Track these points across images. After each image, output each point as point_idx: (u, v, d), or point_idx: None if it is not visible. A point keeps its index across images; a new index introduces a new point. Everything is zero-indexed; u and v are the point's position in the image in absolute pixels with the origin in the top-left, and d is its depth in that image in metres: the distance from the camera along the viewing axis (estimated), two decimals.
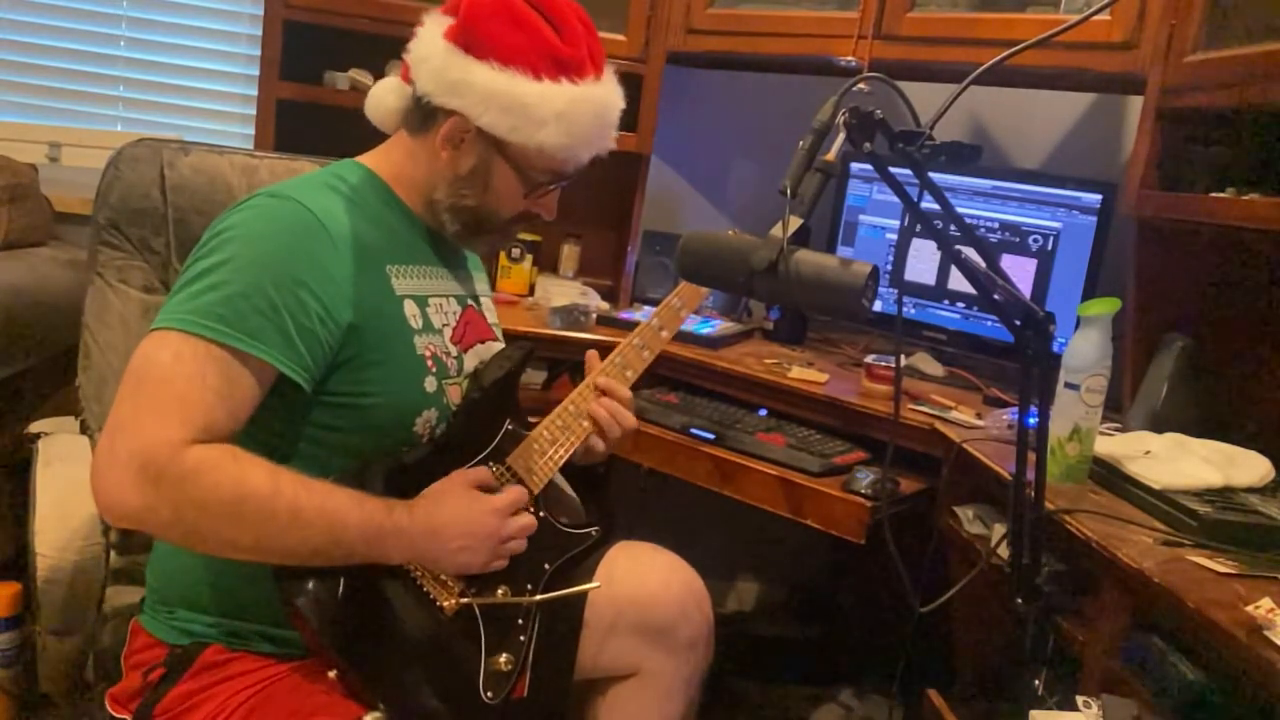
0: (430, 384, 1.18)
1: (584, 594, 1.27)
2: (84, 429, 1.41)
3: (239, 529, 1.01)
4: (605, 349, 1.42)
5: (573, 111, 1.16)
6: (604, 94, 1.21)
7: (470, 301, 1.32)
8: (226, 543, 1.03)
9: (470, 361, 1.26)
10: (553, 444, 1.28)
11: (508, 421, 1.26)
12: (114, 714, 1.16)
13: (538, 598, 1.22)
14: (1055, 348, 1.35)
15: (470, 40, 1.14)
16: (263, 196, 1.12)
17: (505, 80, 1.13)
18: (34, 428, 1.53)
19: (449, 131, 1.17)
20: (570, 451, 1.30)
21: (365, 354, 1.12)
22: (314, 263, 1.08)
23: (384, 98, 1.28)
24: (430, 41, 1.17)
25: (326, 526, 1.04)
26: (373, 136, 1.29)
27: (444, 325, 1.24)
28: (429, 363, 1.19)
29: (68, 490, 1.33)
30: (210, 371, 1.01)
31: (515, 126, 1.15)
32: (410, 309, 1.19)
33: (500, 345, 1.33)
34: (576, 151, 1.20)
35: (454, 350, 1.24)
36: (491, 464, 1.23)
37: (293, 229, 1.09)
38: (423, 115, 1.20)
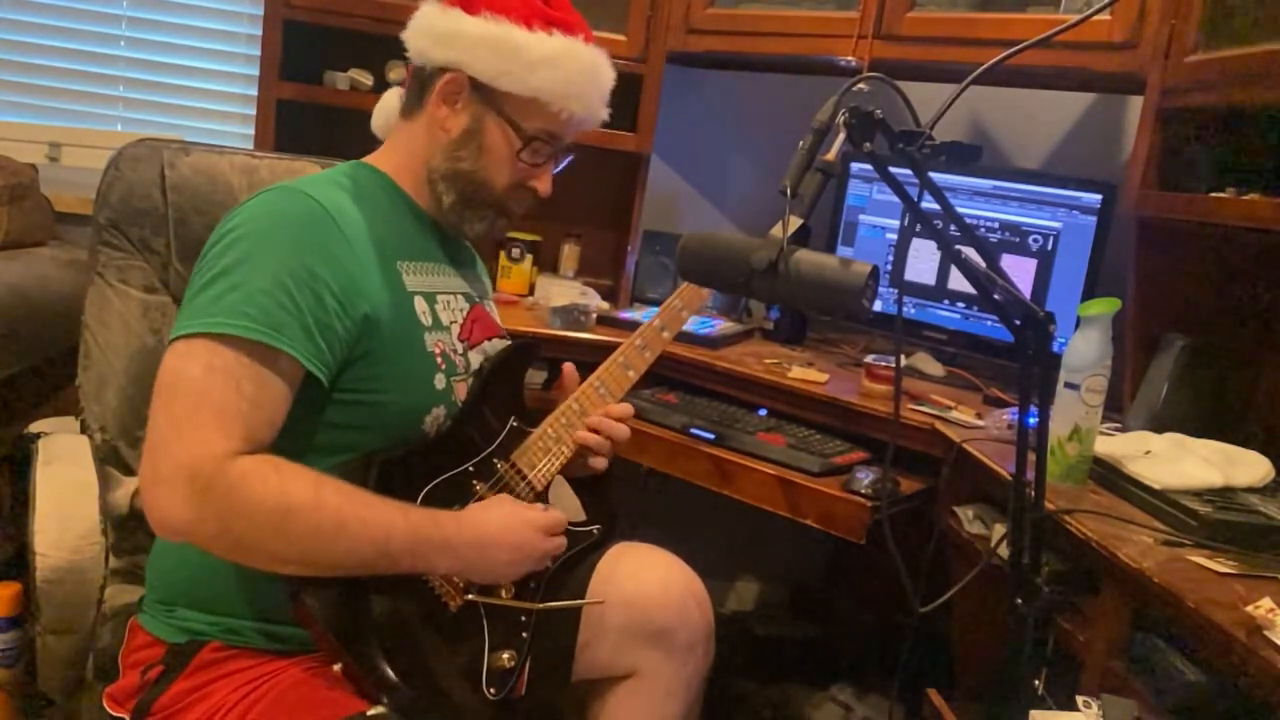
0: (440, 381, 1.18)
1: (582, 593, 1.27)
2: (84, 429, 1.41)
3: (284, 542, 1.01)
4: (603, 349, 1.42)
5: (564, 58, 1.19)
6: (595, 55, 1.23)
7: (477, 300, 1.32)
8: (273, 556, 1.02)
9: (476, 359, 1.26)
10: (557, 442, 1.29)
11: (513, 419, 1.26)
12: (111, 713, 1.16)
13: (541, 605, 1.23)
14: (1055, 348, 1.35)
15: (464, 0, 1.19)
16: (269, 191, 1.12)
17: (497, 27, 1.17)
18: (34, 428, 1.53)
19: (443, 87, 1.19)
20: (574, 450, 1.30)
21: (378, 349, 1.12)
22: (327, 255, 1.08)
23: (387, 101, 1.32)
24: (424, 10, 1.22)
25: (372, 539, 1.04)
26: (373, 136, 1.30)
27: (452, 322, 1.24)
28: (438, 360, 1.19)
29: (68, 490, 1.33)
30: (244, 379, 1.01)
31: (507, 70, 1.17)
32: (420, 305, 1.19)
33: (508, 344, 1.33)
34: (569, 104, 1.21)
35: (460, 347, 1.24)
36: (496, 460, 1.23)
37: (303, 222, 1.09)
38: (419, 87, 1.22)
